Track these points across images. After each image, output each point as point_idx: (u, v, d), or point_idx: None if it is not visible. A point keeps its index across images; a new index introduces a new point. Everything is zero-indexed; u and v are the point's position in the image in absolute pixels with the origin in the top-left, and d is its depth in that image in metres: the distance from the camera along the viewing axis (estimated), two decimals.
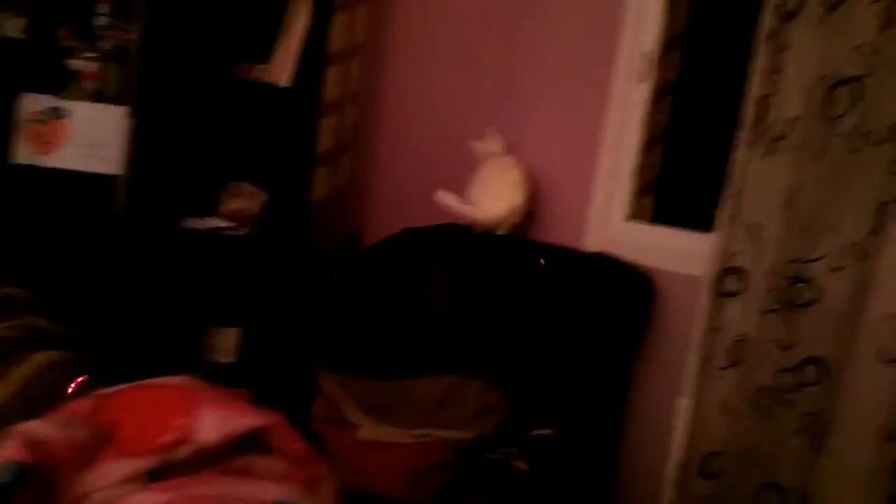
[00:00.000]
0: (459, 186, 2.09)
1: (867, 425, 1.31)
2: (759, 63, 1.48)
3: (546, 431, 1.71)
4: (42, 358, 1.34)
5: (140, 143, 2.04)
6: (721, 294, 1.55)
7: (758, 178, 1.48)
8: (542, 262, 1.91)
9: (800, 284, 1.42)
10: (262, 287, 2.36)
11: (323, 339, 2.12)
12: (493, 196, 2.00)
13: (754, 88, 1.49)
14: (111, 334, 2.07)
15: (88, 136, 2.05)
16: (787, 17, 1.42)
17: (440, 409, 1.77)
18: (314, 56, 2.28)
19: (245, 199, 2.37)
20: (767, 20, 1.47)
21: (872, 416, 1.31)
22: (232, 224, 2.32)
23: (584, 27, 2.01)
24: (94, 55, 2.04)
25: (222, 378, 2.27)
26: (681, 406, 1.64)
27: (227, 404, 1.19)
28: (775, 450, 1.46)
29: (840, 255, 1.37)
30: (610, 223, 1.98)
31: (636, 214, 1.98)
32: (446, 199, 2.04)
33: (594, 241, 1.98)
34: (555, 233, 2.05)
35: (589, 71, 1.99)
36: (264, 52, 2.27)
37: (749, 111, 1.50)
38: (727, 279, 1.54)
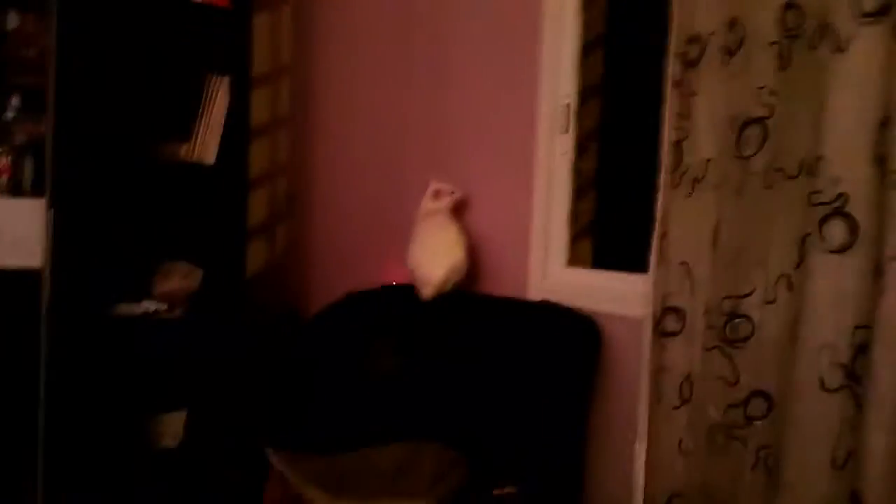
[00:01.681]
0: (399, 245, 2.07)
1: (818, 455, 1.31)
2: (670, 109, 1.52)
3: (508, 489, 1.68)
4: None
5: (61, 234, 1.98)
6: (662, 334, 1.56)
7: (682, 219, 1.51)
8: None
9: (736, 320, 1.44)
10: (203, 367, 2.30)
11: (271, 415, 2.06)
12: (433, 256, 1.99)
13: (668, 133, 1.53)
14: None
15: (6, 232, 1.97)
16: (691, 64, 1.47)
17: (397, 477, 1.72)
18: (237, 132, 2.28)
19: (180, 278, 2.32)
20: (672, 68, 1.52)
21: (822, 445, 1.31)
22: (167, 305, 2.27)
23: (506, 83, 2.05)
24: (6, 149, 1.99)
25: (169, 464, 2.20)
26: (639, 450, 1.63)
27: None
28: (733, 487, 1.45)
29: (770, 289, 1.39)
30: (550, 271, 1.98)
31: (575, 260, 1.99)
32: None
33: (537, 289, 1.98)
34: (498, 285, 2.05)
35: (514, 125, 2.01)
36: (186, 132, 2.25)
37: (666, 155, 1.54)
38: (667, 319, 1.55)
